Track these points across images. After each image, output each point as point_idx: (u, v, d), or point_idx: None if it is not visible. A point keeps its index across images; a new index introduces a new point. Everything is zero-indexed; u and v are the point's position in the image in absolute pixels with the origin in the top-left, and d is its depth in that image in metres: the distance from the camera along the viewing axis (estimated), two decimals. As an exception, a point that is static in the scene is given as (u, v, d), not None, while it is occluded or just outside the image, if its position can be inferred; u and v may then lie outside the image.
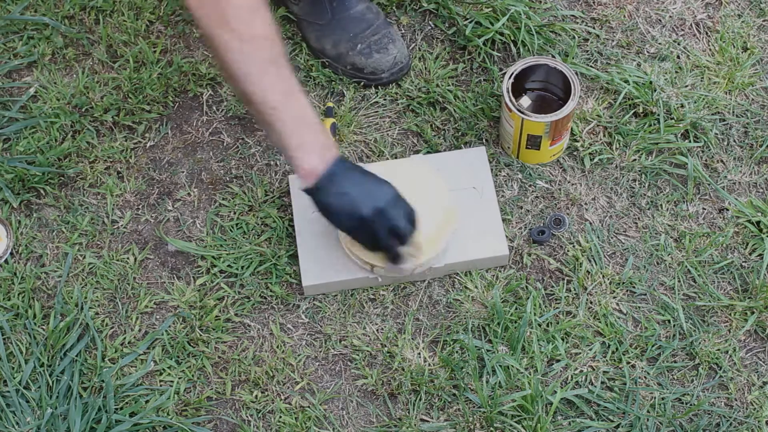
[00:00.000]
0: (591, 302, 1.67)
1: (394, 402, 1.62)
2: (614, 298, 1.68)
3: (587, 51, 1.90)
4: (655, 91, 1.83)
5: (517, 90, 1.75)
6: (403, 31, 1.93)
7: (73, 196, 1.79)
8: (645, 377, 1.62)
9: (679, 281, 1.69)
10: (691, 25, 1.93)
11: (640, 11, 1.94)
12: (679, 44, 1.90)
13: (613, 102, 1.84)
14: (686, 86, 1.85)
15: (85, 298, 1.69)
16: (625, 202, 1.76)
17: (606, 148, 1.80)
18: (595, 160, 1.79)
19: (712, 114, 1.83)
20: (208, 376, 1.64)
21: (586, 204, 1.76)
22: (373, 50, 1.84)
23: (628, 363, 1.63)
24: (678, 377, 1.63)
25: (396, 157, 1.80)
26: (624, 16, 1.94)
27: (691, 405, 1.60)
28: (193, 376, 1.64)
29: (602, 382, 1.61)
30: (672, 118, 1.81)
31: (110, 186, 1.79)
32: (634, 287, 1.69)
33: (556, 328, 1.64)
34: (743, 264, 1.71)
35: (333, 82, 1.87)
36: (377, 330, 1.67)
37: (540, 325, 1.65)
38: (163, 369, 1.64)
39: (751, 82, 1.86)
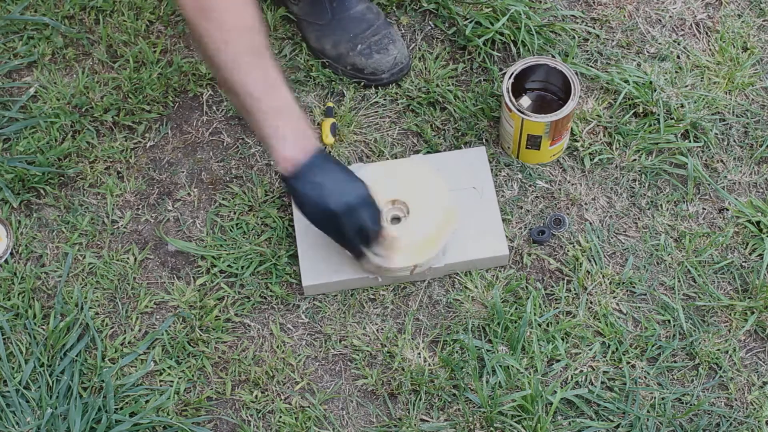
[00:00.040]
0: (591, 302, 1.67)
1: (394, 402, 1.62)
2: (614, 298, 1.68)
3: (587, 51, 1.90)
4: (655, 91, 1.83)
5: (517, 90, 1.75)
6: (403, 31, 1.93)
7: (73, 196, 1.79)
8: (645, 377, 1.62)
9: (679, 281, 1.69)
10: (691, 25, 1.93)
11: (640, 11, 1.95)
12: (679, 44, 1.90)
13: (613, 102, 1.84)
14: (686, 86, 1.85)
15: (85, 298, 1.69)
16: (625, 202, 1.76)
17: (606, 148, 1.80)
18: (595, 160, 1.79)
19: (712, 114, 1.83)
20: (208, 376, 1.64)
21: (586, 204, 1.76)
22: (374, 50, 1.84)
23: (628, 363, 1.63)
24: (678, 377, 1.63)
25: (396, 157, 1.80)
26: (624, 16, 1.94)
27: (691, 405, 1.60)
28: (193, 376, 1.64)
29: (602, 382, 1.61)
30: (672, 118, 1.81)
31: (110, 186, 1.79)
32: (634, 287, 1.69)
33: (556, 328, 1.64)
34: (743, 264, 1.71)
35: (333, 82, 1.87)
36: (377, 330, 1.67)
37: (540, 325, 1.65)
38: (163, 369, 1.64)
39: (751, 82, 1.86)
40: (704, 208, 1.76)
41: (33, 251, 1.74)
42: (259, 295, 1.70)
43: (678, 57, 1.89)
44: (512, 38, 1.87)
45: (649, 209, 1.76)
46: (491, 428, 1.58)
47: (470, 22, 1.88)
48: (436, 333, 1.66)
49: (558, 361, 1.63)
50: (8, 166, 1.78)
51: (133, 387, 1.62)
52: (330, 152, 1.80)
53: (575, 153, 1.80)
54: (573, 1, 1.96)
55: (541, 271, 1.71)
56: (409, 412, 1.60)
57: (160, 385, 1.63)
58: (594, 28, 1.92)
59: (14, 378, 1.62)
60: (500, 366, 1.61)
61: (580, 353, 1.64)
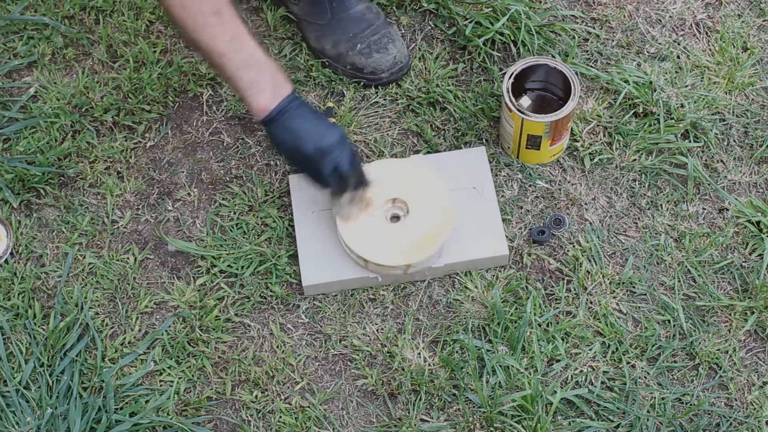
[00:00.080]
0: (591, 302, 1.67)
1: (394, 402, 1.62)
2: (614, 298, 1.68)
3: (587, 51, 1.90)
4: (655, 91, 1.83)
5: (517, 90, 1.75)
6: (403, 31, 1.93)
7: (73, 196, 1.79)
8: (645, 377, 1.62)
9: (679, 281, 1.69)
10: (691, 25, 1.93)
11: (640, 11, 1.95)
12: (679, 44, 1.90)
13: (613, 102, 1.84)
14: (686, 86, 1.85)
15: (85, 298, 1.69)
16: (625, 202, 1.76)
17: (606, 148, 1.80)
18: (595, 160, 1.79)
19: (712, 114, 1.83)
20: (208, 376, 1.64)
21: (586, 204, 1.76)
22: (373, 50, 1.84)
23: (628, 363, 1.63)
24: (678, 377, 1.63)
25: (396, 157, 1.80)
26: (624, 16, 1.94)
27: (691, 405, 1.60)
28: (193, 376, 1.64)
29: (602, 382, 1.61)
30: (672, 118, 1.81)
31: (110, 186, 1.79)
32: (634, 287, 1.69)
33: (556, 328, 1.64)
34: (743, 264, 1.71)
35: (333, 82, 1.87)
36: (377, 330, 1.67)
37: (540, 325, 1.65)
38: (163, 369, 1.64)
39: (751, 82, 1.86)
40: (704, 208, 1.76)
41: (33, 251, 1.74)
42: (259, 295, 1.70)
43: (678, 57, 1.89)
44: (512, 38, 1.87)
45: (649, 209, 1.76)
46: (491, 428, 1.58)
47: (470, 22, 1.88)
48: (436, 333, 1.66)
49: (558, 361, 1.63)
50: (8, 166, 1.78)
51: (133, 387, 1.62)
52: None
53: (575, 153, 1.80)
54: (573, 1, 1.96)
55: (541, 271, 1.71)
56: (409, 412, 1.60)
57: (160, 385, 1.63)
58: (594, 28, 1.92)
59: (14, 378, 1.62)
60: (500, 366, 1.61)
61: (580, 353, 1.64)
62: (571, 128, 1.80)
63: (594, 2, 1.96)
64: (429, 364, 1.63)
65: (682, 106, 1.82)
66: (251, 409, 1.62)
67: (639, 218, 1.75)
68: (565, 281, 1.69)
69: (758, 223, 1.73)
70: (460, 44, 1.90)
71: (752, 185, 1.78)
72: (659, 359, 1.63)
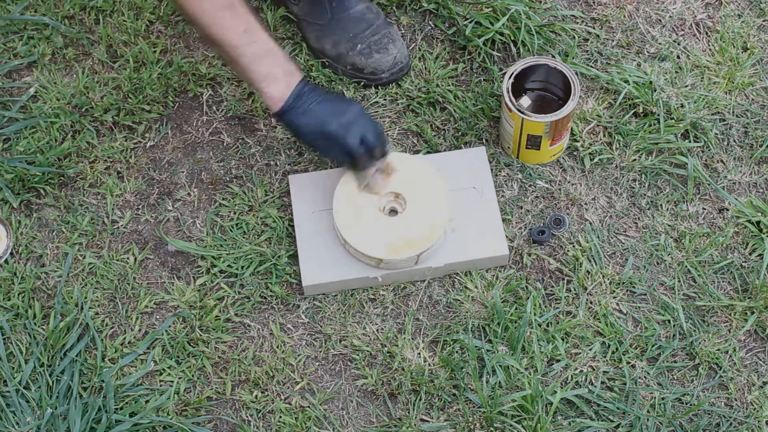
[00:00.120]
0: (591, 302, 1.67)
1: (394, 402, 1.62)
2: (614, 298, 1.68)
3: (587, 51, 1.90)
4: (655, 91, 1.83)
5: (517, 90, 1.75)
6: (403, 31, 1.93)
7: (73, 196, 1.79)
8: (645, 377, 1.62)
9: (679, 281, 1.69)
10: (691, 25, 1.93)
11: (640, 11, 1.94)
12: (679, 44, 1.90)
13: (613, 102, 1.84)
14: (686, 86, 1.85)
15: (85, 298, 1.69)
16: (625, 202, 1.76)
17: (606, 148, 1.80)
18: (595, 160, 1.79)
19: (712, 114, 1.83)
20: (208, 376, 1.64)
21: (586, 204, 1.76)
22: (373, 50, 1.84)
23: (628, 363, 1.63)
24: (678, 377, 1.63)
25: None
26: (624, 16, 1.94)
27: (691, 405, 1.60)
28: (193, 376, 1.64)
29: (602, 382, 1.61)
30: (672, 118, 1.81)
31: (110, 186, 1.79)
32: (634, 287, 1.69)
33: (556, 328, 1.64)
34: (743, 264, 1.71)
35: (333, 82, 1.87)
36: (377, 330, 1.67)
37: (540, 325, 1.65)
38: (163, 369, 1.64)
39: (751, 82, 1.86)
40: (704, 208, 1.76)
41: (33, 251, 1.74)
42: (259, 295, 1.70)
43: (678, 57, 1.89)
44: (512, 38, 1.87)
45: (649, 209, 1.76)
46: (491, 428, 1.58)
47: (470, 22, 1.88)
48: (436, 333, 1.66)
49: (558, 361, 1.63)
50: (8, 166, 1.78)
51: (133, 387, 1.62)
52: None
53: (575, 153, 1.80)
54: (573, 1, 1.96)
55: (541, 271, 1.71)
56: (409, 412, 1.60)
57: (160, 385, 1.63)
58: (594, 28, 1.92)
59: (14, 378, 1.62)
60: (500, 366, 1.61)
61: (580, 353, 1.64)
62: (571, 128, 1.80)
63: (594, 2, 1.96)
64: (429, 364, 1.63)
65: (682, 106, 1.82)
66: (251, 409, 1.62)
67: (639, 218, 1.75)
68: (565, 281, 1.69)
69: (758, 223, 1.73)
70: (460, 44, 1.90)
71: (752, 185, 1.78)
72: (659, 359, 1.63)
